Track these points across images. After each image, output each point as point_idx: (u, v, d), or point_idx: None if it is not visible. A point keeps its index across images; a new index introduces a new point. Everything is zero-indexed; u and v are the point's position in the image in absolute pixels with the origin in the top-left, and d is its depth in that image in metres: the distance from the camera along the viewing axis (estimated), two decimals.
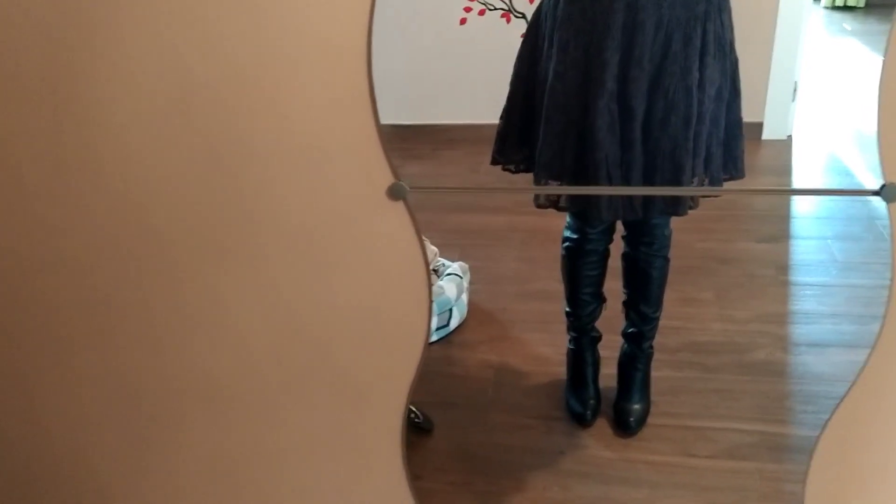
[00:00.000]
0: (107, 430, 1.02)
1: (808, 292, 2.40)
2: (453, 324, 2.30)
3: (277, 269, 0.87)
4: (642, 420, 1.87)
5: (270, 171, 0.82)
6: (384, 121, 3.57)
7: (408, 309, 0.86)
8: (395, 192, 0.81)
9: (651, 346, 1.93)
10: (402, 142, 3.90)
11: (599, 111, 1.44)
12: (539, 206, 1.68)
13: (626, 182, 1.51)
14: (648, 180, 1.51)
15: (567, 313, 1.97)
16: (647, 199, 1.58)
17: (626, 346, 1.96)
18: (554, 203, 1.67)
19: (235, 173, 0.83)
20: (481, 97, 3.73)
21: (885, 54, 0.74)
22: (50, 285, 0.92)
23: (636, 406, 1.88)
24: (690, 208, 1.63)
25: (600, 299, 1.92)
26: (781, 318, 2.29)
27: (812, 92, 3.61)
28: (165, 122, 0.81)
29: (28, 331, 0.96)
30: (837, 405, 0.96)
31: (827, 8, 5.47)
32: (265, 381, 0.94)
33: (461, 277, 2.39)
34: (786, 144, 3.43)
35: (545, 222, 2.97)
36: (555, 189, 1.62)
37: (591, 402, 1.91)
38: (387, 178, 0.80)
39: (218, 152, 0.82)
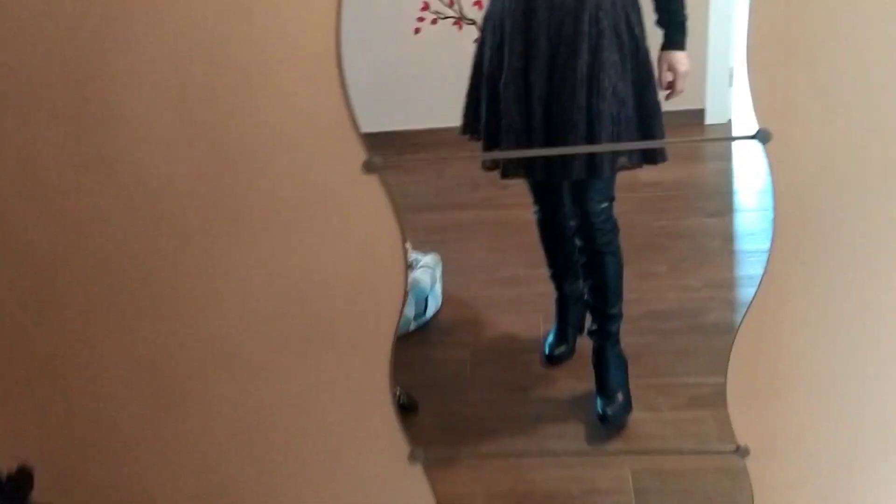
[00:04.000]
0: (135, 400, 1.15)
1: (752, 258, 2.60)
2: (430, 312, 2.45)
3: (274, 244, 1.02)
4: (623, 415, 1.93)
5: (261, 158, 0.97)
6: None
7: (387, 268, 1.01)
8: (369, 167, 0.96)
9: (617, 339, 2.05)
10: (370, 149, 4.05)
11: (507, 85, 1.69)
12: (485, 168, 1.94)
13: (528, 146, 1.74)
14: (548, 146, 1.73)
15: (549, 267, 2.22)
16: (563, 164, 1.77)
17: (592, 327, 2.08)
18: (494, 166, 1.91)
19: (231, 164, 0.97)
20: (440, 102, 3.89)
21: (749, 19, 0.91)
22: (77, 273, 1.05)
23: (614, 404, 1.93)
24: (596, 177, 1.77)
25: (572, 263, 2.10)
26: (729, 283, 2.49)
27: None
28: (169, 123, 0.95)
29: (61, 316, 1.09)
30: (743, 315, 1.14)
31: None
32: (270, 341, 1.08)
33: (433, 269, 2.54)
34: (727, 128, 3.65)
35: (511, 215, 3.15)
36: (496, 154, 1.87)
37: (559, 345, 2.17)
38: (361, 155, 0.96)
39: (215, 146, 0.96)
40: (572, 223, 1.96)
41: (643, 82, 1.71)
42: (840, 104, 0.95)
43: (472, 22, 3.75)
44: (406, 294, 1.02)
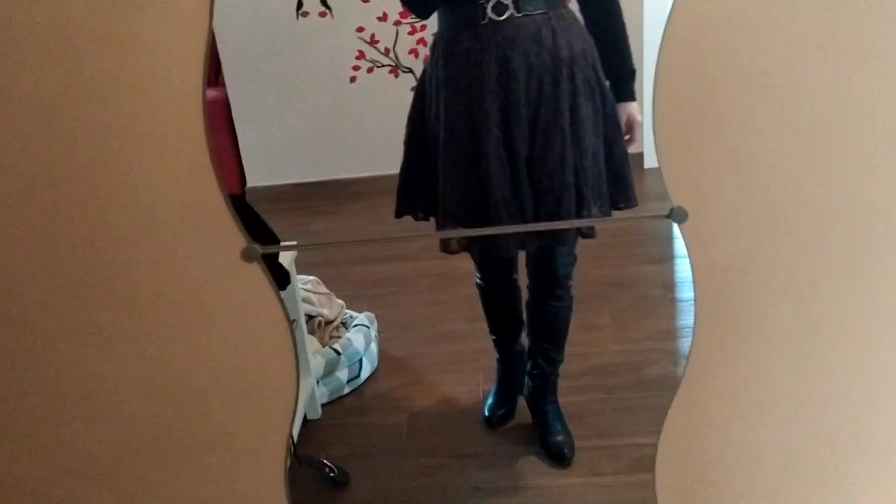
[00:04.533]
0: None
1: (691, 307, 2.57)
2: (364, 374, 2.34)
3: (148, 340, 0.91)
4: (573, 447, 1.94)
5: (130, 247, 0.86)
6: (286, 181, 3.61)
7: (275, 364, 0.91)
8: (247, 255, 0.86)
9: (556, 378, 2.02)
10: (307, 199, 3.95)
11: (489, 157, 1.55)
12: (451, 251, 1.74)
13: (521, 216, 1.61)
14: (538, 214, 1.62)
15: (491, 334, 2.10)
16: (542, 231, 1.69)
17: (530, 384, 2.04)
18: (465, 247, 1.75)
19: (97, 252, 0.87)
20: (378, 149, 3.84)
21: (654, 94, 0.86)
22: None
23: (562, 438, 1.95)
24: (586, 236, 1.73)
25: (519, 323, 2.03)
26: (671, 333, 2.44)
27: None
28: (28, 216, 0.85)
29: None
30: (668, 406, 1.07)
31: None
32: (148, 451, 0.96)
33: (368, 327, 2.44)
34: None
35: (451, 266, 3.06)
36: (428, 234, 1.72)
37: (500, 407, 2.08)
38: (239, 243, 0.86)
39: (79, 235, 0.86)
40: (527, 286, 1.88)
41: (613, 133, 1.65)
42: (757, 178, 0.90)
43: (409, 70, 3.73)
44: (297, 392, 0.92)
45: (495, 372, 2.16)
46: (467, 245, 1.76)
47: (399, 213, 1.78)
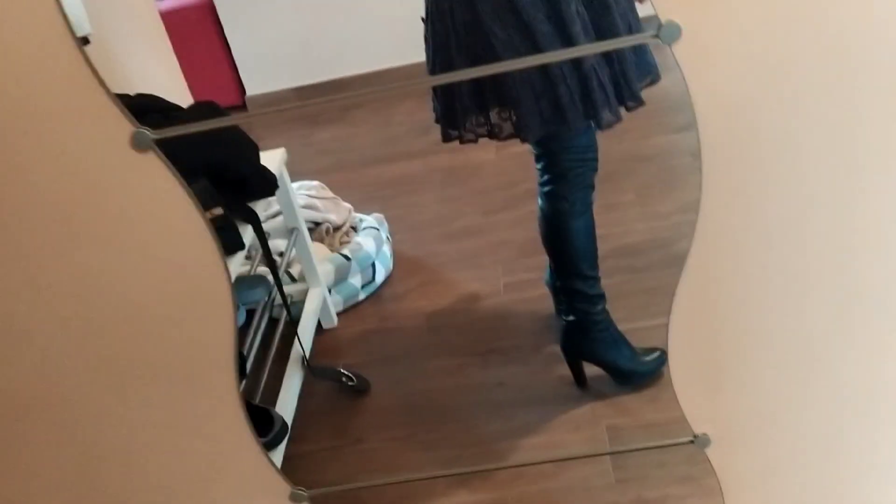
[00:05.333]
0: None
1: None
2: (379, 278, 2.23)
3: (50, 260, 0.78)
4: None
5: (21, 148, 0.72)
6: (286, 86, 3.41)
7: (198, 268, 0.78)
8: (138, 142, 0.72)
9: (603, 308, 1.67)
10: (309, 106, 3.76)
11: (572, 18, 1.31)
12: (498, 136, 1.46)
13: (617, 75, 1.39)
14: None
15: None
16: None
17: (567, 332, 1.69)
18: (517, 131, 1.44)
19: None
20: (381, 43, 3.60)
21: None
22: None
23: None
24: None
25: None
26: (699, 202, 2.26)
27: None
28: None
29: None
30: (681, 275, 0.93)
31: None
32: (81, 385, 0.86)
33: (378, 229, 2.31)
34: None
35: (463, 159, 2.91)
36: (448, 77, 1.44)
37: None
38: (126, 130, 0.71)
39: None
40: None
41: None
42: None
43: None
44: (236, 304, 0.79)
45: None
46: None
47: (448, 136, 1.51)
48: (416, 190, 2.78)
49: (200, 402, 0.87)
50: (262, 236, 1.63)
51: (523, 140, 1.46)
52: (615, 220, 2.27)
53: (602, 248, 2.11)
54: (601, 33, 1.36)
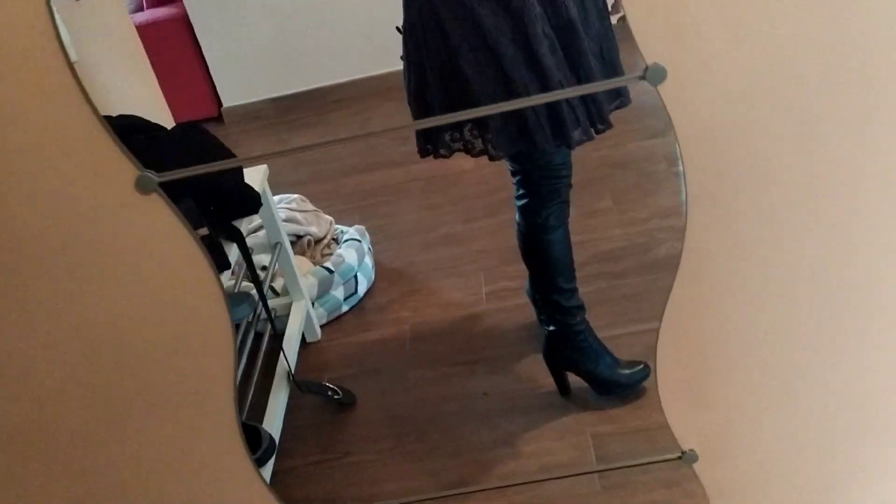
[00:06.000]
0: None
1: None
2: (361, 289, 2.24)
3: (53, 297, 0.79)
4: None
5: (10, 195, 0.73)
6: (263, 96, 3.40)
7: (201, 306, 0.79)
8: (142, 185, 0.73)
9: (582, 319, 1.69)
10: (287, 113, 3.76)
11: (539, 40, 1.32)
12: (473, 153, 1.50)
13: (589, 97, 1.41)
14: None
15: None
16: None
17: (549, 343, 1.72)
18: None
19: None
20: (358, 51, 3.61)
21: None
22: None
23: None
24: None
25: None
26: (677, 209, 2.30)
27: None
28: None
29: None
30: (667, 301, 0.96)
31: None
32: (80, 420, 0.87)
33: (360, 241, 2.33)
34: None
35: (441, 167, 2.92)
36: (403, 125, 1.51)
37: None
38: (131, 172, 0.72)
39: None
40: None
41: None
42: (745, 23, 0.73)
43: None
44: (235, 334, 0.81)
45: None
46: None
47: (424, 151, 1.53)
48: (396, 199, 2.79)
49: (200, 428, 0.88)
50: (246, 254, 1.64)
51: (492, 158, 1.48)
52: (594, 227, 2.30)
53: (582, 255, 2.14)
54: (570, 55, 1.38)
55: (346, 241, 2.33)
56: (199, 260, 0.76)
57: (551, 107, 1.39)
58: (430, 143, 1.53)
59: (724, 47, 0.76)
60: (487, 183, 2.74)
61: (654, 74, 0.78)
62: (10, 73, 0.66)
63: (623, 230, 2.27)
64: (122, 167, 0.71)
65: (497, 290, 2.16)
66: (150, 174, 0.72)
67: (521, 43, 1.33)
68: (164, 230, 0.75)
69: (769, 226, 0.88)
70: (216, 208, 1.61)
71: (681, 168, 0.87)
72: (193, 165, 1.64)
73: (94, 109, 0.68)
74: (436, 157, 1.54)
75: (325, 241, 2.35)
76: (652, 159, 2.60)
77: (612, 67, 1.48)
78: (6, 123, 0.69)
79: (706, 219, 0.89)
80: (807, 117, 0.82)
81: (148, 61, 2.16)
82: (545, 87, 1.36)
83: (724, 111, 0.81)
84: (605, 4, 1.48)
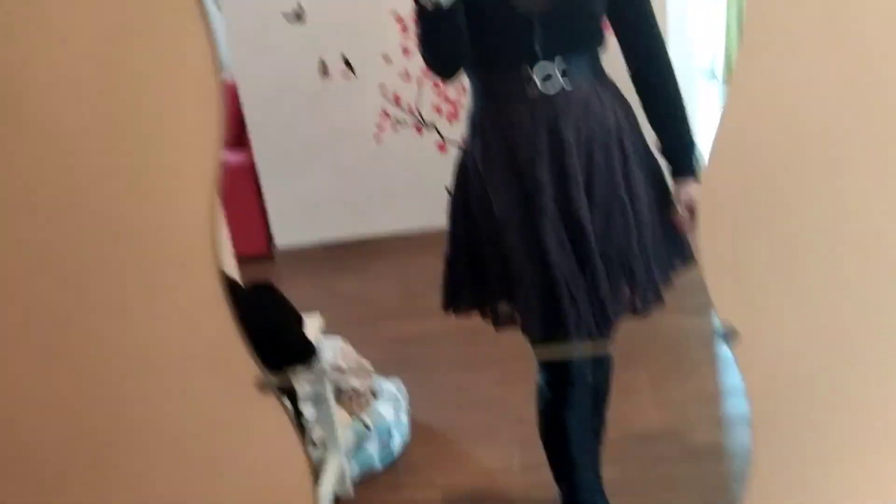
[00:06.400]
0: None
1: (733, 365, 2.46)
2: (396, 447, 2.26)
3: (159, 480, 0.86)
4: None
5: (146, 384, 0.82)
6: (313, 239, 3.57)
7: (293, 491, 0.85)
8: (263, 386, 0.82)
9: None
10: (333, 260, 3.93)
11: (546, 232, 1.44)
12: (499, 325, 1.67)
13: (594, 297, 1.50)
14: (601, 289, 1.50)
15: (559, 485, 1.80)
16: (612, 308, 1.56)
17: None
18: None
19: (116, 390, 0.83)
20: (404, 206, 3.83)
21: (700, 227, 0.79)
22: None
23: None
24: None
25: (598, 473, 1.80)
26: (714, 395, 2.33)
27: None
28: (30, 363, 0.81)
29: None
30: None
31: None
32: None
33: (397, 396, 2.37)
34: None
35: (480, 322, 3.00)
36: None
37: None
38: (253, 374, 0.81)
39: (88, 376, 0.82)
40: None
41: (663, 205, 1.56)
42: (814, 292, 0.82)
43: (432, 126, 3.72)
44: None
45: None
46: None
47: (447, 306, 1.67)
48: (432, 352, 2.85)
49: None
50: (297, 409, 1.70)
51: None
52: (629, 406, 2.33)
53: (615, 433, 2.15)
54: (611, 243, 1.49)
55: (384, 396, 2.37)
56: (301, 461, 0.83)
57: (594, 303, 1.50)
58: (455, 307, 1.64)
59: (794, 315, 0.85)
60: (522, 344, 2.80)
61: (728, 334, 0.86)
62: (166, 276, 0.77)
63: (659, 413, 2.29)
64: (246, 367, 0.80)
65: (530, 463, 2.17)
66: (270, 378, 0.81)
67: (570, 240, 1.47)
68: (274, 428, 0.82)
69: (831, 468, 0.92)
70: (272, 355, 1.69)
71: (721, 351, 0.92)
72: (257, 312, 1.74)
73: (234, 317, 0.78)
74: (457, 314, 1.66)
75: (364, 394, 2.39)
76: (688, 336, 2.65)
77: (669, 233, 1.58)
78: (147, 318, 0.79)
79: (770, 466, 0.92)
80: (867, 377, 0.88)
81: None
82: (594, 288, 1.49)
83: (792, 369, 0.88)
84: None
